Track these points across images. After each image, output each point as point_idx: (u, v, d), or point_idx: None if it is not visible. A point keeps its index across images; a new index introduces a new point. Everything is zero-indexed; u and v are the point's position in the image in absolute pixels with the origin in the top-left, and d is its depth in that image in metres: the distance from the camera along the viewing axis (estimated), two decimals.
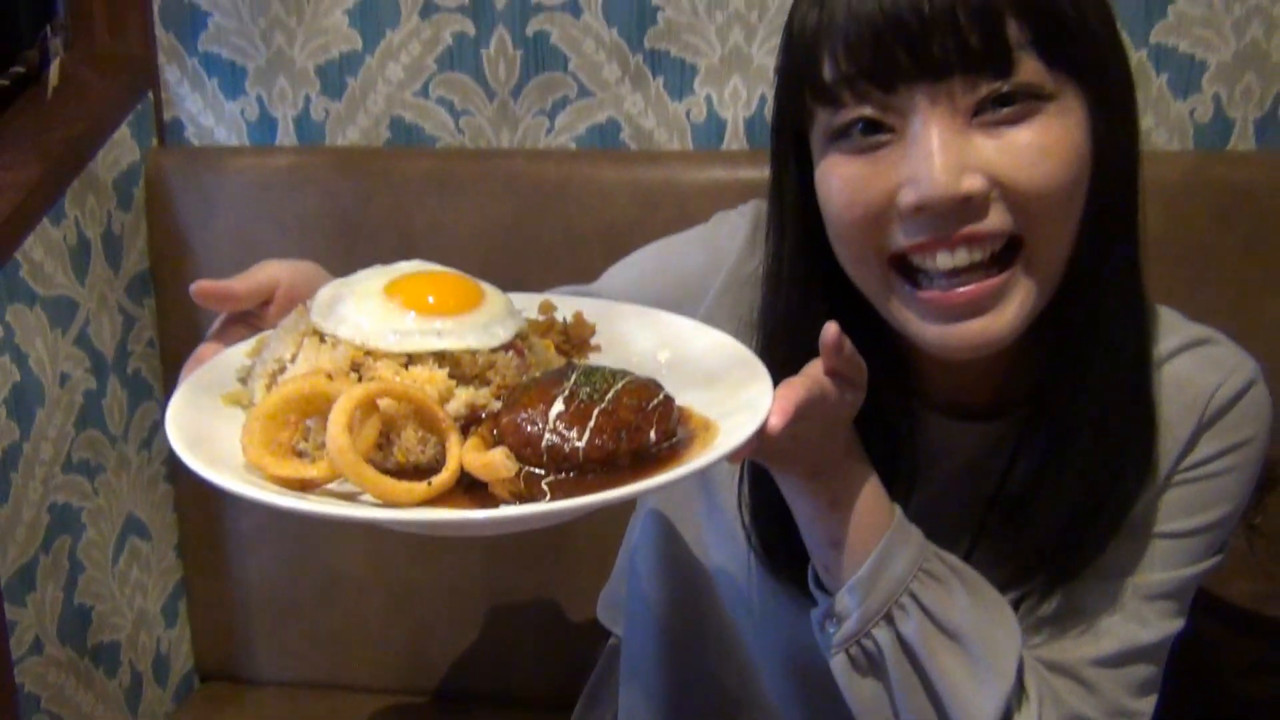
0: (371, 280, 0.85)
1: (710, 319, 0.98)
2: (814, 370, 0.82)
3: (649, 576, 1.22)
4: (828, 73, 0.84)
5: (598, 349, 0.95)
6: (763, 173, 1.61)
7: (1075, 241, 0.87)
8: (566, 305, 0.98)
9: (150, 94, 1.77)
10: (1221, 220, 1.59)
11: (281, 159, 1.77)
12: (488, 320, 0.83)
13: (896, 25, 0.79)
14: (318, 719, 1.82)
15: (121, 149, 1.72)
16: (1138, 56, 1.64)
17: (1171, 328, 0.98)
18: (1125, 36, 0.91)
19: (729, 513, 1.06)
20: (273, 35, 1.75)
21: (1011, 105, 0.81)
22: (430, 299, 0.82)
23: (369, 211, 1.74)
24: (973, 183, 0.81)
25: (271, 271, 0.91)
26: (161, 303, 1.81)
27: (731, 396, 0.82)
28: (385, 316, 0.81)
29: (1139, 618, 0.95)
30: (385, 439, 0.76)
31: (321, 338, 0.82)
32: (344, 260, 1.64)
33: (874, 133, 0.83)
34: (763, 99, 1.70)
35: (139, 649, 1.79)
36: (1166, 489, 0.96)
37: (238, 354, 0.89)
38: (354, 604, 1.86)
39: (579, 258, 1.65)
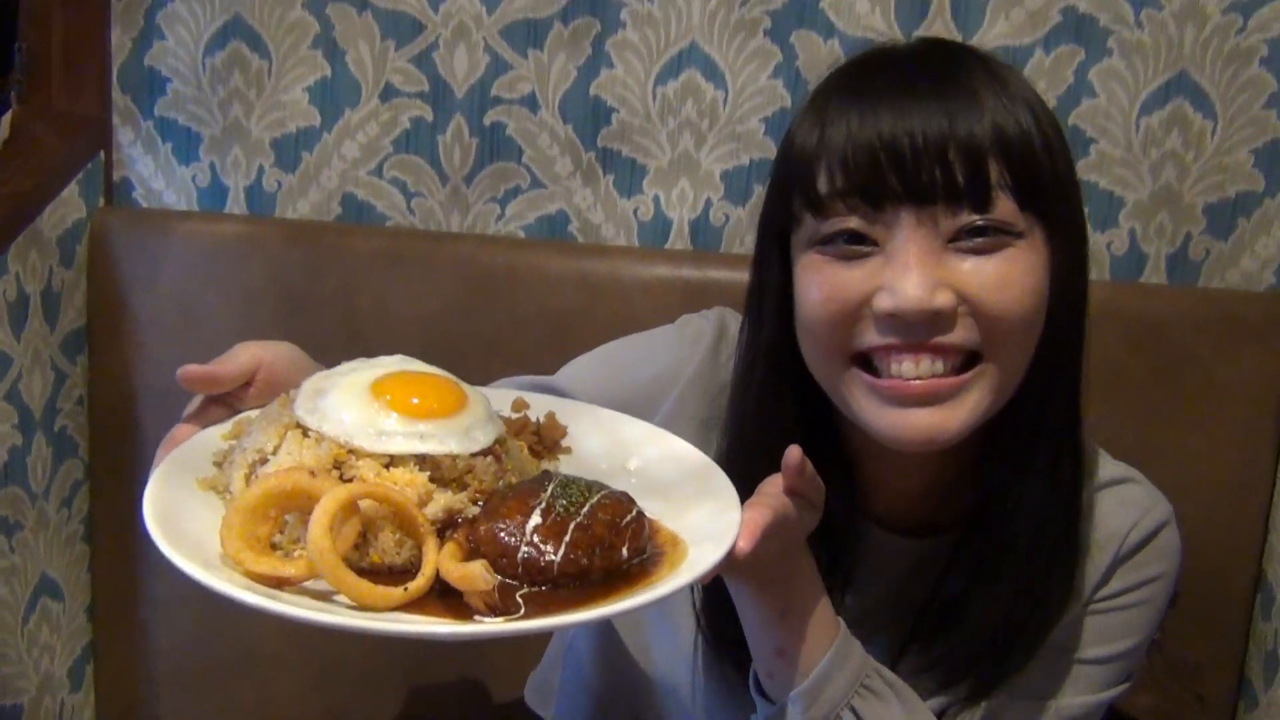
0: (356, 375, 0.88)
1: (671, 420, 1.02)
2: (774, 489, 0.87)
3: (590, 664, 1.24)
4: (822, 185, 0.91)
5: (568, 451, 0.98)
6: (704, 273, 1.69)
7: (1028, 368, 0.94)
8: (538, 404, 1.01)
9: (101, 154, 1.77)
10: (1133, 349, 1.68)
11: (230, 226, 1.78)
12: (469, 425, 0.85)
13: (892, 152, 0.87)
14: None
15: (68, 206, 1.71)
16: None
17: (1095, 464, 1.06)
18: None
19: (678, 616, 1.09)
20: (231, 106, 1.77)
21: (985, 236, 0.90)
22: (414, 400, 0.84)
23: (315, 285, 1.75)
24: (945, 298, 0.88)
25: (253, 353, 0.93)
26: (95, 360, 1.79)
27: (698, 510, 0.87)
28: (369, 415, 0.83)
29: None
30: (362, 538, 0.80)
31: (305, 431, 0.83)
32: (286, 333, 1.66)
33: (857, 243, 0.91)
34: (708, 202, 1.76)
35: (42, 713, 1.74)
36: (1084, 616, 1.03)
37: (214, 436, 0.90)
38: (268, 679, 1.84)
39: (523, 343, 1.69)
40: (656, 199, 1.77)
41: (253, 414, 0.93)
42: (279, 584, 0.75)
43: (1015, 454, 0.97)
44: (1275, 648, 1.68)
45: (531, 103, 1.74)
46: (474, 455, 0.84)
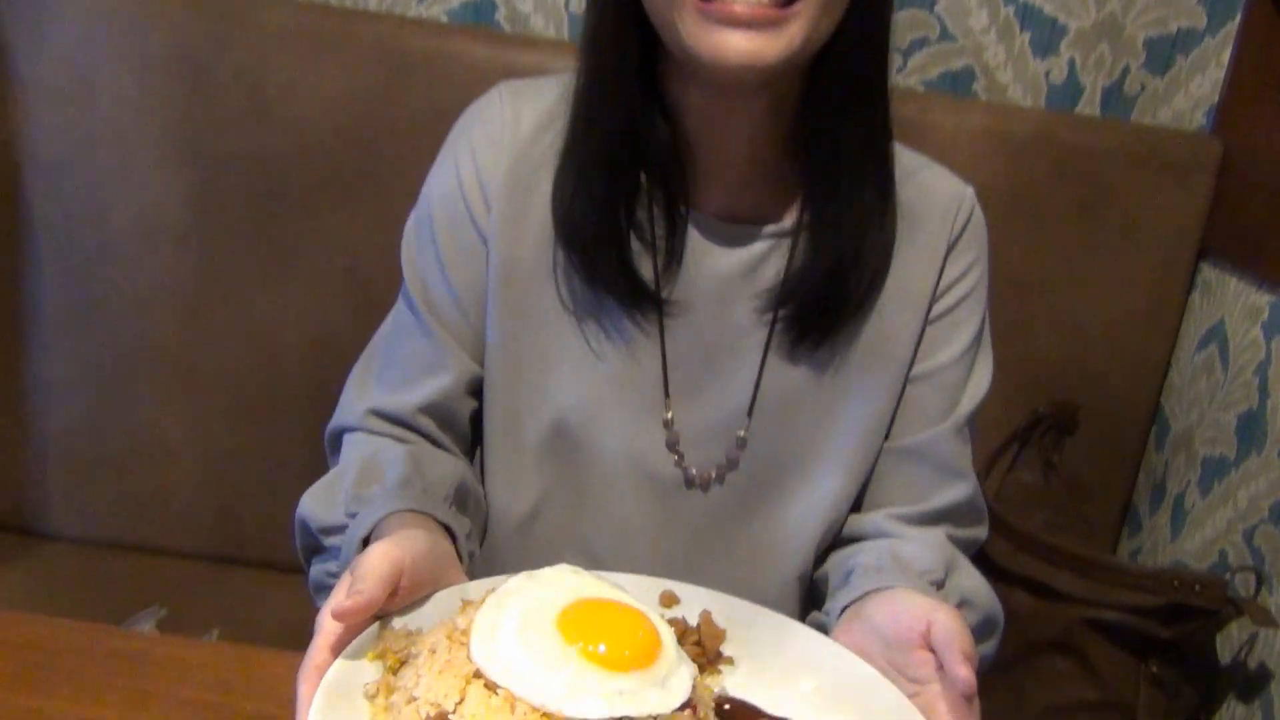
0: (534, 609, 0.77)
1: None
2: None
3: None
4: None
5: (731, 663, 0.89)
6: None
7: (842, 18, 0.96)
8: (688, 598, 0.93)
9: None
10: (1060, 178, 1.68)
11: None
12: (666, 673, 0.76)
13: None
14: (115, 578, 1.75)
15: None
16: (1005, 12, 1.70)
17: (901, 151, 1.09)
18: None
19: None
20: None
21: None
22: (609, 649, 0.75)
23: (220, 60, 1.63)
24: None
25: (393, 561, 0.81)
26: None
27: None
28: (560, 668, 0.73)
29: (959, 463, 1.10)
30: None
31: (488, 684, 0.73)
32: (186, 110, 1.56)
33: None
34: None
35: None
36: (934, 322, 1.09)
37: (360, 658, 0.77)
38: (165, 470, 1.79)
39: (441, 136, 1.61)
40: None
41: (399, 628, 0.81)
42: None
43: (832, 107, 1.00)
44: (1164, 478, 1.74)
45: None
46: (674, 711, 0.75)
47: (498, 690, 0.72)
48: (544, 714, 0.71)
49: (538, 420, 1.09)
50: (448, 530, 0.95)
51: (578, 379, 1.07)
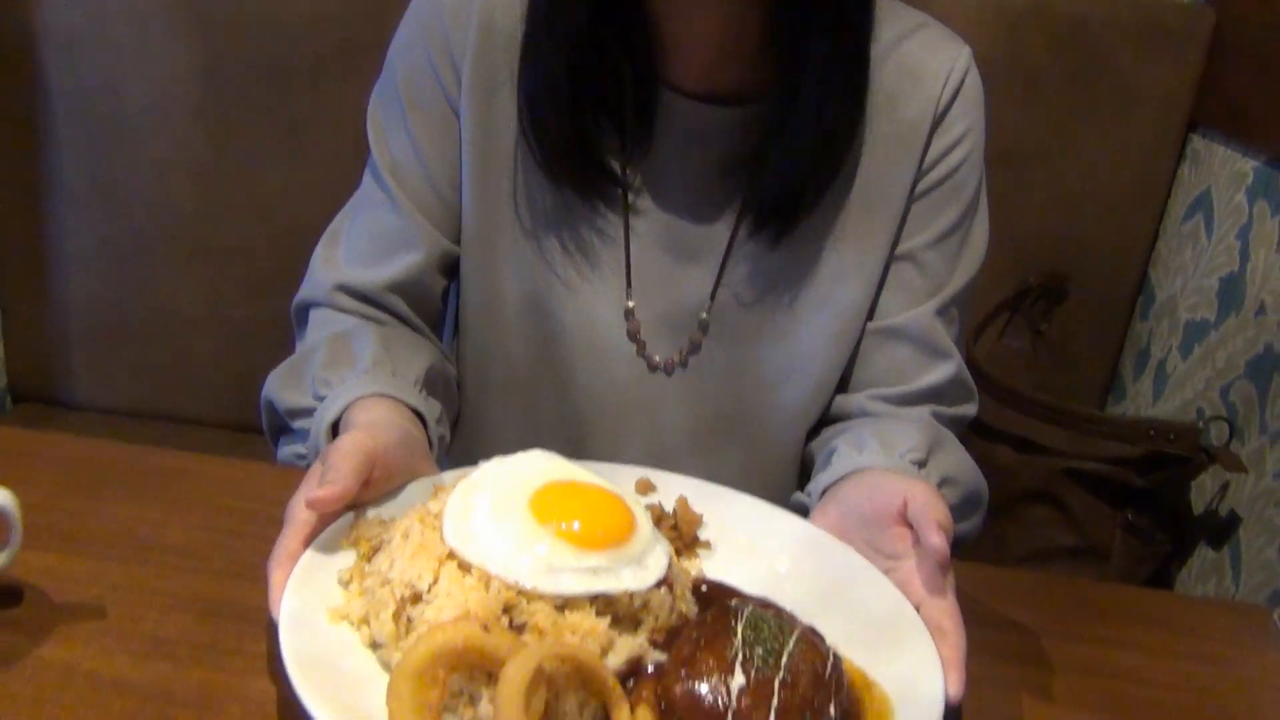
0: (507, 491, 0.77)
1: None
2: (942, 614, 0.81)
3: None
4: None
5: (708, 546, 0.91)
6: None
7: None
8: (664, 485, 0.94)
9: None
10: (1056, 50, 1.71)
11: None
12: (641, 551, 0.76)
13: None
14: (139, 442, 1.82)
15: None
16: None
17: (890, 11, 1.04)
18: None
19: None
20: None
21: None
22: (584, 527, 0.74)
23: None
24: None
25: (366, 451, 0.81)
26: None
27: (878, 636, 0.79)
28: (533, 546, 0.73)
29: (943, 343, 1.09)
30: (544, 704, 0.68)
31: (461, 564, 0.73)
32: None
33: None
34: None
35: None
36: (918, 200, 1.07)
37: (333, 546, 0.78)
38: (185, 338, 1.85)
39: None
40: None
41: (373, 517, 0.82)
42: None
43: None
44: (1148, 344, 1.80)
45: None
46: (650, 588, 0.75)
47: (471, 570, 0.72)
48: (518, 591, 0.71)
49: (513, 298, 1.08)
50: (418, 416, 0.95)
51: (544, 263, 1.06)
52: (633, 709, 0.69)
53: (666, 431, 1.12)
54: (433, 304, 1.11)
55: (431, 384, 1.00)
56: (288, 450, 1.00)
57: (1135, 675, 0.90)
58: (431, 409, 0.97)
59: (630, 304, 1.08)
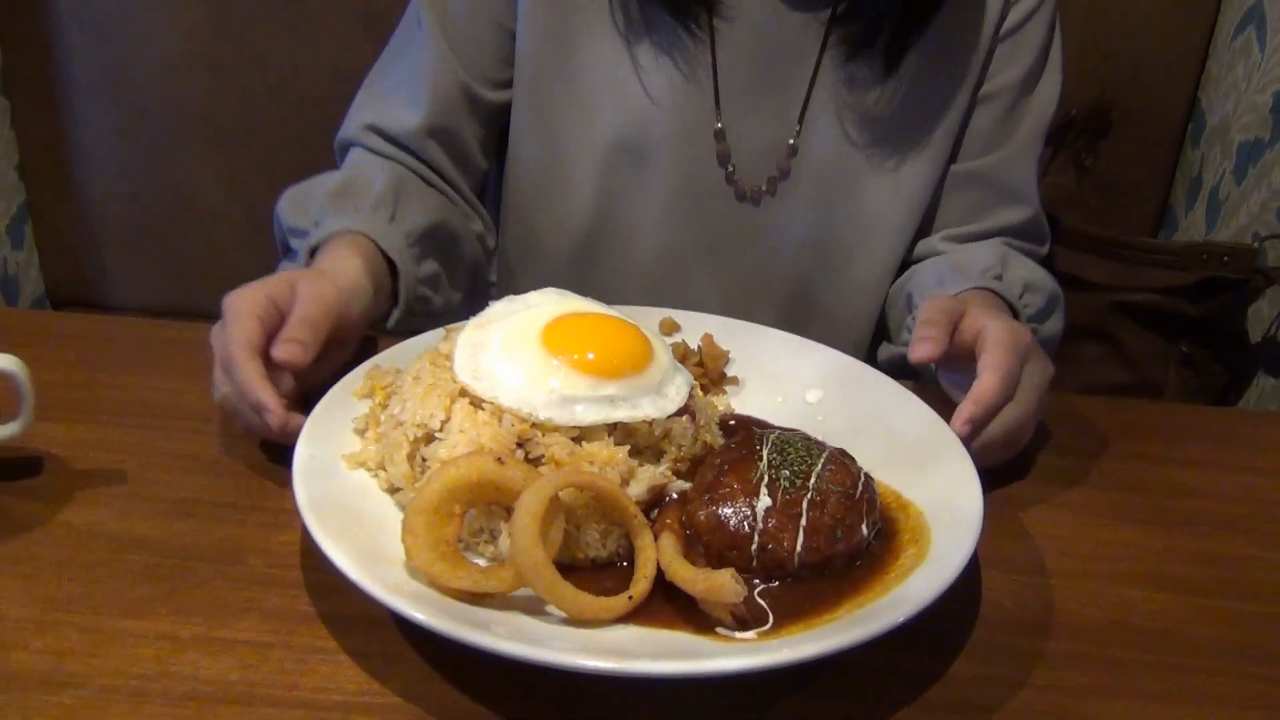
0: (518, 326, 0.74)
1: None
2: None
3: None
4: None
5: (736, 382, 0.88)
6: None
7: None
8: (689, 324, 0.91)
9: None
10: None
11: None
12: (660, 380, 0.73)
13: None
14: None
15: None
16: None
17: None
18: None
19: None
20: None
21: None
22: (598, 356, 0.71)
23: None
24: None
25: (329, 305, 0.79)
26: None
27: (914, 458, 0.77)
28: (546, 379, 0.70)
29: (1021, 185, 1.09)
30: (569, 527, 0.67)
31: (474, 400, 0.71)
32: None
33: None
34: None
35: None
36: (1003, 40, 1.05)
37: (346, 395, 0.77)
38: (210, 230, 1.84)
39: None
40: None
41: (385, 364, 0.80)
42: (477, 599, 0.63)
43: None
44: (1200, 172, 1.72)
45: None
46: (671, 417, 0.72)
47: (483, 406, 0.70)
48: (532, 424, 0.69)
49: (583, 146, 1.05)
50: (394, 270, 0.93)
51: (626, 100, 1.03)
52: (656, 536, 0.67)
53: (747, 269, 1.09)
54: (471, 154, 1.07)
55: (434, 241, 0.98)
56: (285, 267, 0.99)
57: (1190, 489, 0.87)
58: (415, 268, 0.95)
59: (719, 125, 1.04)
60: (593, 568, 0.68)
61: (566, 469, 0.67)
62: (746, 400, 0.87)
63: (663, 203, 1.06)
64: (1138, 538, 0.81)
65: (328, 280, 0.82)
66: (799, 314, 1.08)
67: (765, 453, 0.70)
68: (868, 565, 0.68)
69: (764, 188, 1.06)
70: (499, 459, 0.65)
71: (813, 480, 0.68)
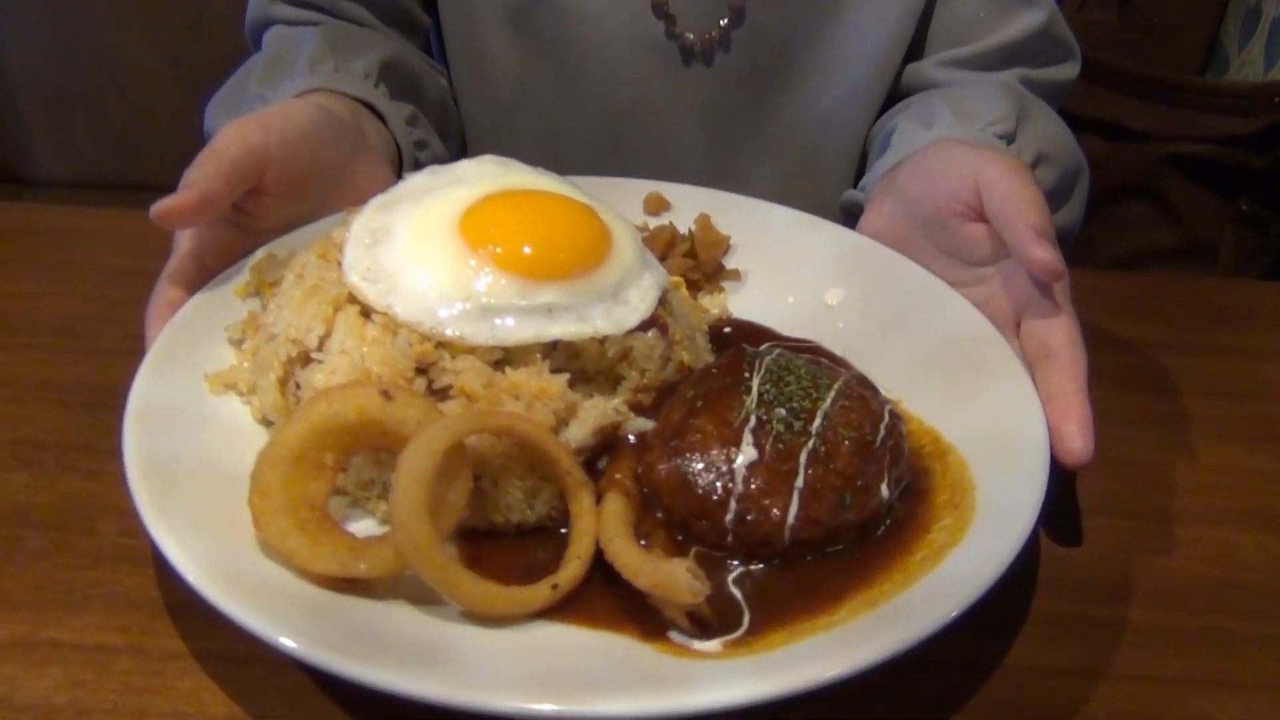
0: (433, 209, 0.55)
1: None
2: (1046, 321, 0.60)
3: None
4: None
5: (736, 277, 0.69)
6: None
7: None
8: (680, 200, 0.70)
9: None
10: None
11: None
12: (619, 280, 0.55)
13: None
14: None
15: None
16: None
17: None
18: None
19: None
20: None
21: None
22: (530, 249, 0.52)
23: None
24: None
25: (249, 143, 0.60)
26: None
27: (955, 377, 0.58)
28: (462, 281, 0.52)
29: None
30: (475, 484, 0.49)
31: (363, 309, 0.53)
32: None
33: None
34: None
35: None
36: None
37: (225, 295, 0.58)
38: (141, 95, 1.66)
39: None
40: None
41: (280, 251, 0.61)
42: (349, 584, 0.47)
43: None
44: (1257, 1, 1.51)
45: None
46: (629, 332, 0.54)
47: (373, 317, 0.53)
48: (438, 342, 0.52)
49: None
50: (375, 114, 0.76)
51: None
52: (603, 495, 0.50)
53: (708, 138, 0.90)
54: (404, 9, 0.89)
55: (394, 80, 0.80)
56: None
57: None
58: (391, 106, 0.77)
59: None
60: (518, 534, 0.52)
61: (475, 409, 0.50)
62: (748, 300, 0.69)
63: (596, 62, 0.88)
64: (1240, 460, 0.64)
65: (254, 122, 0.63)
66: (753, 181, 0.89)
67: (756, 383, 0.52)
68: (887, 539, 0.51)
69: (714, 38, 0.87)
70: (384, 392, 0.48)
71: (817, 422, 0.51)
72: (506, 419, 0.49)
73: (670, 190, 0.74)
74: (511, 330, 0.52)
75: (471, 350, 0.52)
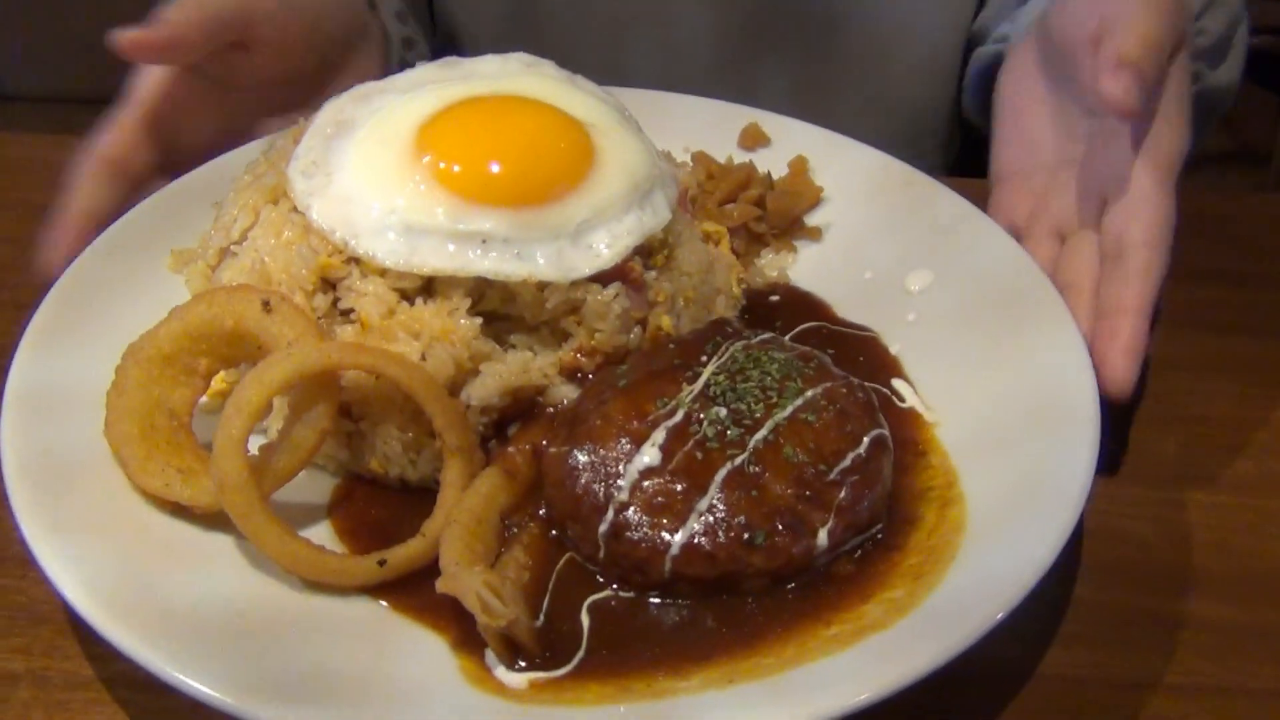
0: (409, 106, 0.49)
1: None
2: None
3: None
4: None
5: (816, 236, 0.59)
6: None
7: None
8: (781, 133, 0.61)
9: None
10: None
11: None
12: (585, 219, 0.47)
13: None
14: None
15: None
16: None
17: None
18: None
19: None
20: None
21: None
22: (469, 165, 0.46)
23: None
24: None
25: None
26: None
27: (1015, 427, 0.46)
28: (390, 188, 0.46)
29: None
30: (355, 426, 0.45)
31: (295, 206, 0.48)
32: None
33: None
34: None
35: None
36: None
37: (135, 236, 0.54)
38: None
39: None
40: None
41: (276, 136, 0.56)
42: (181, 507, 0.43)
43: None
44: None
45: None
46: (581, 282, 0.46)
47: (296, 212, 0.48)
48: (349, 256, 0.46)
49: None
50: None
51: None
52: (490, 463, 0.44)
53: (749, 41, 0.78)
54: None
55: None
56: None
57: None
58: None
59: None
60: (404, 490, 0.45)
61: (341, 342, 0.44)
62: (818, 267, 0.59)
63: None
64: None
65: None
66: (835, 99, 0.77)
67: (707, 371, 0.44)
68: (803, 598, 0.40)
69: None
70: (266, 303, 0.43)
71: (761, 433, 0.42)
72: (374, 357, 0.42)
73: (773, 123, 0.64)
74: (428, 257, 0.45)
75: (383, 272, 0.45)
